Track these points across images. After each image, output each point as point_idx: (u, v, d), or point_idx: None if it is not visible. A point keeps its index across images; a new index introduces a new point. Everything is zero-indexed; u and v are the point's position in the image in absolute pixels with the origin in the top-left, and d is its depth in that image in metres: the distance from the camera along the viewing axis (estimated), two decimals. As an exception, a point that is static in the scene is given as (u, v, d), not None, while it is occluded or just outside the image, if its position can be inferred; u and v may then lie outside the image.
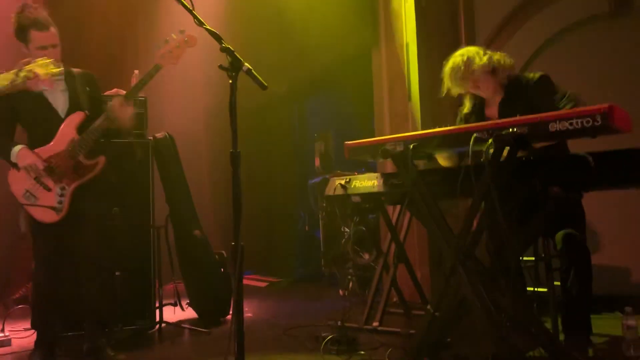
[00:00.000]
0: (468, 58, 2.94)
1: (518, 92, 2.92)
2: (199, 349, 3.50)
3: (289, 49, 5.98)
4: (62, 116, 3.07)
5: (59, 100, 3.09)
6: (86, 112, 3.09)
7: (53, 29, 3.04)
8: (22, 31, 3.00)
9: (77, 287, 3.16)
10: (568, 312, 2.79)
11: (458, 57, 2.98)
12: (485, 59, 2.93)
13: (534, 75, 2.94)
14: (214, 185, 7.05)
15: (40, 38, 2.99)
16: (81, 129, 3.05)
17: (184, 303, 4.20)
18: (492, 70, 2.95)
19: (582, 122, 2.20)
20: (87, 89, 3.18)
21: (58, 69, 2.74)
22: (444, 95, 3.07)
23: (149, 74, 3.00)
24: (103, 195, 3.16)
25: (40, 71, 2.64)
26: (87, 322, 3.17)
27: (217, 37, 2.14)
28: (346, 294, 5.06)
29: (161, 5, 5.97)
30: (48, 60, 2.67)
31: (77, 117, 3.07)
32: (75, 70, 3.22)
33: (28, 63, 2.70)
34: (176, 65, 3.00)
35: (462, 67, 2.92)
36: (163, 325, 3.89)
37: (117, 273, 3.66)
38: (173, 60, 2.99)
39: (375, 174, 3.15)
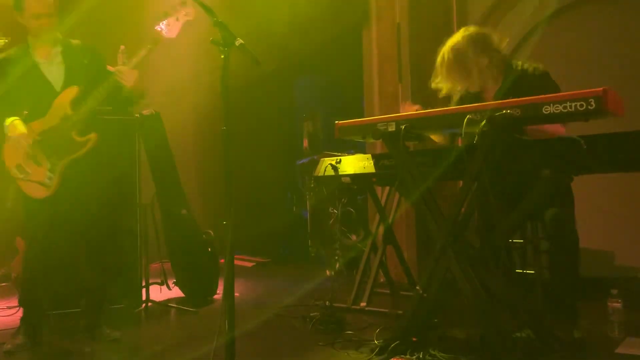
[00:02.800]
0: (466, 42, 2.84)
1: (516, 84, 2.80)
2: (185, 328, 3.49)
3: (277, 28, 5.88)
4: (58, 90, 2.99)
5: (55, 74, 3.01)
6: (80, 86, 2.99)
7: None
8: None
9: (72, 265, 3.13)
10: (555, 294, 2.81)
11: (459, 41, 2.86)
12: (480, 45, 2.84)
13: (535, 68, 2.81)
14: (201, 164, 6.99)
15: (34, 5, 2.89)
16: (75, 103, 2.96)
17: (170, 282, 4.18)
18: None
19: (576, 106, 2.19)
20: (85, 61, 3.07)
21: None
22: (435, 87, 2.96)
23: (148, 49, 2.93)
24: (95, 169, 3.07)
25: None
26: (85, 300, 3.14)
27: (210, 11, 2.08)
28: (333, 274, 5.08)
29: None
30: None
31: (71, 92, 2.98)
32: (74, 42, 3.13)
33: None
34: (174, 38, 2.93)
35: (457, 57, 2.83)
36: (149, 304, 3.87)
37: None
38: (171, 34, 2.90)
39: (366, 155, 3.13)
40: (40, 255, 2.98)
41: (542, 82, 2.72)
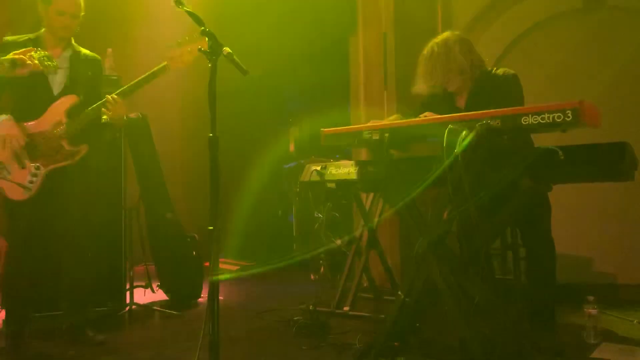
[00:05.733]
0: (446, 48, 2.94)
1: (487, 87, 2.93)
2: (169, 331, 3.50)
3: (265, 34, 5.92)
4: (56, 95, 2.97)
5: (57, 79, 2.98)
6: (80, 96, 2.97)
7: None
8: None
9: (55, 267, 3.11)
10: (533, 300, 2.88)
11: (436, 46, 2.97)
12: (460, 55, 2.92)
13: (505, 71, 2.95)
14: (186, 167, 6.98)
15: (63, 1, 2.88)
16: (70, 113, 2.94)
17: (154, 285, 4.19)
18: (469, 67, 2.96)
19: (553, 117, 2.25)
20: (90, 73, 3.07)
21: (54, 64, 2.69)
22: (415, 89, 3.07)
23: (153, 74, 2.93)
24: (81, 177, 3.06)
25: (34, 61, 2.61)
26: (66, 302, 3.12)
27: (198, 20, 2.11)
28: (317, 278, 5.12)
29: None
30: (45, 53, 2.65)
31: (69, 100, 2.96)
32: (84, 51, 3.11)
33: (29, 52, 2.65)
34: (182, 69, 2.91)
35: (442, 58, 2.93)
36: (133, 307, 3.87)
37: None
38: (182, 64, 2.87)
39: (351, 162, 3.18)
40: (21, 258, 2.96)
41: (505, 83, 2.87)
